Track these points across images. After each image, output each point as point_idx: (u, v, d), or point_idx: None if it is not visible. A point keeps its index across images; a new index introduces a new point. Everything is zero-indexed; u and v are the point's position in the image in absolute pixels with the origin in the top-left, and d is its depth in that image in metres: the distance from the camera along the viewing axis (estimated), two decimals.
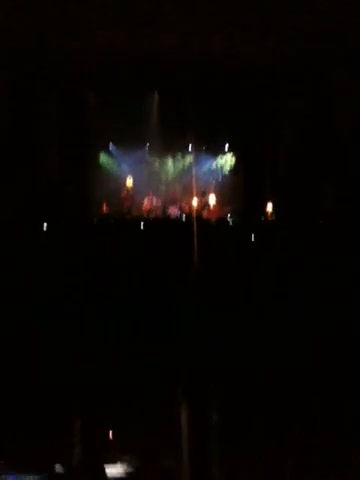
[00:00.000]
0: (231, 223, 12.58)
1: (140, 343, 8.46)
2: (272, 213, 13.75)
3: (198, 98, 13.68)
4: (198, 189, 14.73)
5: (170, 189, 15.89)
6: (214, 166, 16.00)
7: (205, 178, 15.72)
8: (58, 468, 4.98)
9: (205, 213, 14.28)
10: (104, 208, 14.38)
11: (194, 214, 13.19)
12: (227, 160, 15.91)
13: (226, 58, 13.14)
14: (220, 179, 15.89)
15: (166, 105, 14.34)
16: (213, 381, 7.39)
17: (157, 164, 15.97)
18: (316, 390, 6.94)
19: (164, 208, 14.85)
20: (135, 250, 10.40)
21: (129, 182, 15.12)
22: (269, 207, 13.81)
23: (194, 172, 14.96)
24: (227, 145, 15.76)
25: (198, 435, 5.81)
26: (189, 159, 15.72)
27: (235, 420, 6.02)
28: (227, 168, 15.90)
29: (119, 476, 4.85)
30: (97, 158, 15.54)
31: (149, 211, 14.74)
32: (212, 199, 14.77)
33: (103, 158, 15.68)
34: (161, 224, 12.73)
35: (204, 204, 14.72)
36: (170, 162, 16.01)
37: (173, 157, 15.97)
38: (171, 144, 15.12)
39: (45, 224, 11.23)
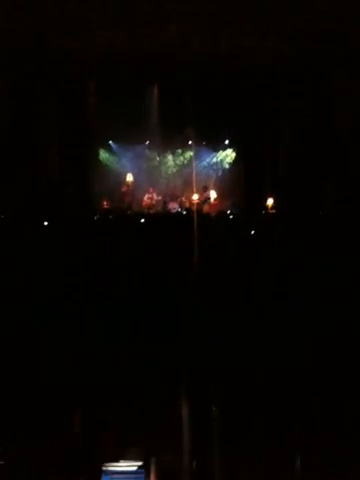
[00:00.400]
0: (231, 217, 12.59)
1: (140, 343, 8.46)
2: (272, 206, 13.76)
3: (198, 97, 13.68)
4: (198, 184, 14.75)
5: (170, 184, 15.92)
6: (214, 161, 16.01)
7: (205, 172, 15.76)
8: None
9: (206, 207, 14.27)
10: (105, 204, 14.39)
11: (194, 209, 13.20)
12: (227, 155, 15.92)
13: (226, 58, 13.15)
14: (220, 173, 15.91)
15: (166, 104, 14.33)
16: (213, 381, 7.40)
17: (157, 159, 15.99)
18: (316, 390, 6.94)
19: (164, 203, 14.86)
20: (135, 248, 10.39)
21: (130, 177, 15.14)
22: (269, 201, 13.83)
23: (194, 167, 14.98)
24: (227, 143, 15.78)
25: (198, 435, 5.81)
26: (189, 154, 15.74)
27: (235, 420, 6.02)
28: (227, 163, 15.92)
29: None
30: (98, 155, 15.56)
31: (150, 206, 14.74)
32: (212, 193, 14.77)
33: (103, 154, 15.71)
34: (162, 219, 12.75)
35: (205, 199, 14.72)
36: (170, 157, 16.03)
37: (173, 153, 15.99)
38: (171, 140, 15.15)
39: (45, 223, 11.24)
